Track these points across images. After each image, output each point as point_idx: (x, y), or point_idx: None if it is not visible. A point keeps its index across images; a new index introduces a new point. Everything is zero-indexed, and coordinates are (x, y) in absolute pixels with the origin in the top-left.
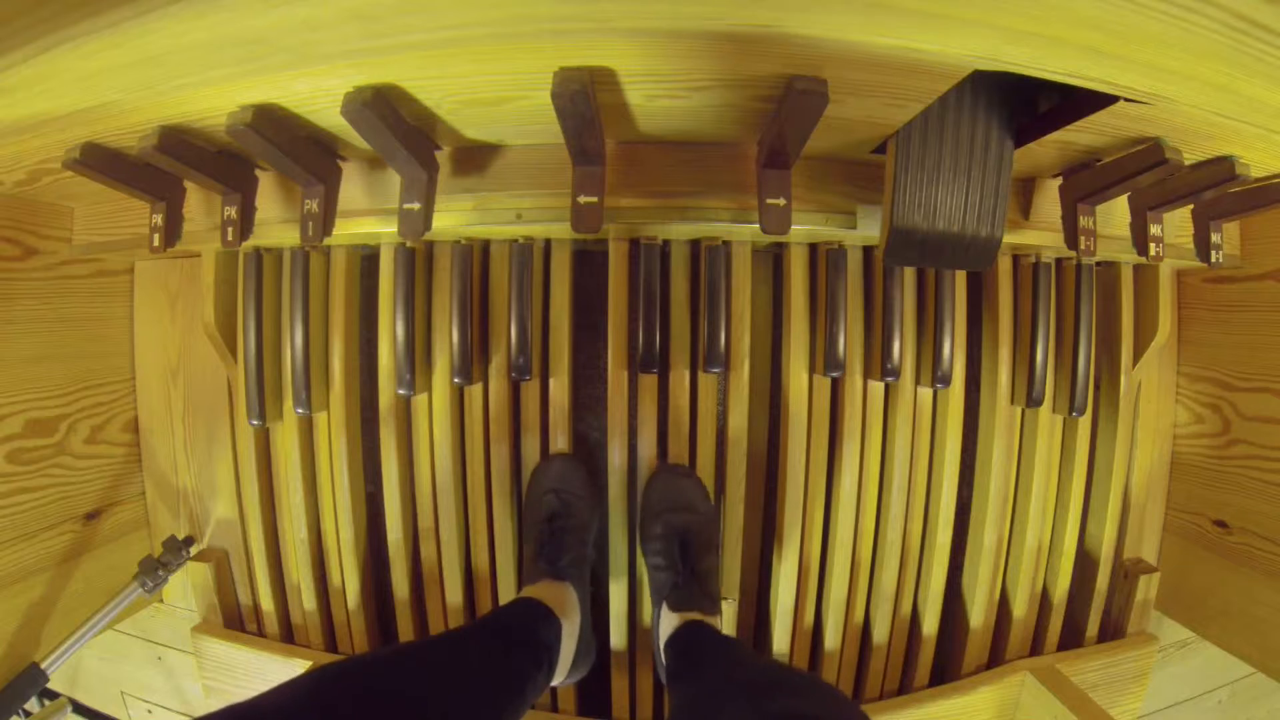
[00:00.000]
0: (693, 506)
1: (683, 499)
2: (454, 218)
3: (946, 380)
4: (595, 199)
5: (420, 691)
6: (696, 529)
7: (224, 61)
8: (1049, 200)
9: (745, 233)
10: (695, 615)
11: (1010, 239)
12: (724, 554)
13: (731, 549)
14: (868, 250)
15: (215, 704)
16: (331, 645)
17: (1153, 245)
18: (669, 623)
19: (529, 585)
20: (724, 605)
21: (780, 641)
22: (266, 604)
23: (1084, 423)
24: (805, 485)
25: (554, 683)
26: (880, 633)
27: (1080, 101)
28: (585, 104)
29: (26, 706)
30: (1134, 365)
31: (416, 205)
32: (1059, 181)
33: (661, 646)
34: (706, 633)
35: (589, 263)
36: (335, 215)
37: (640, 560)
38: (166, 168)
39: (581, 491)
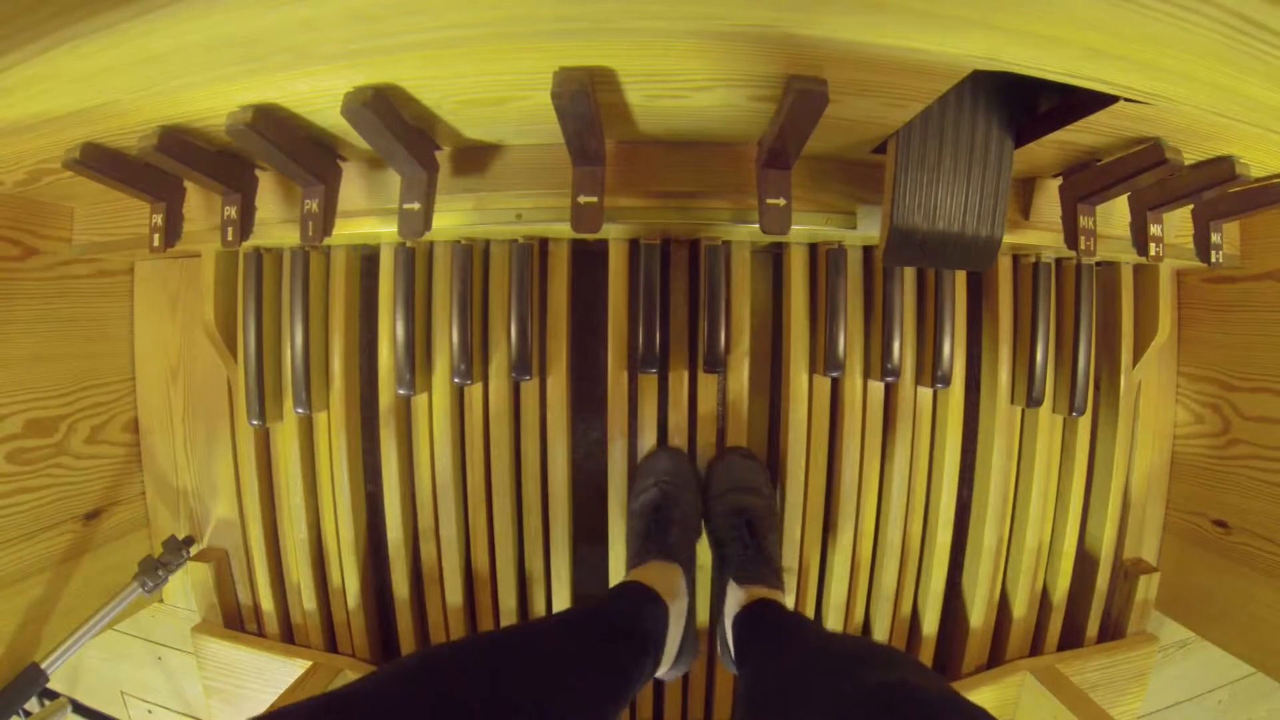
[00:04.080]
0: (757, 489)
1: (747, 480)
2: (454, 218)
3: (946, 380)
4: (595, 199)
5: (525, 688)
6: (761, 510)
7: (224, 61)
8: (1049, 200)
9: (745, 233)
10: (763, 590)
11: (1010, 239)
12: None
13: None
14: (868, 250)
15: (215, 704)
16: (331, 645)
17: (1153, 245)
18: (735, 598)
19: (637, 568)
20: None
21: None
22: (266, 604)
23: (1084, 423)
24: (805, 485)
25: (659, 673)
26: (880, 632)
27: (1080, 101)
28: (585, 104)
29: (26, 706)
30: (1134, 365)
31: (416, 205)
32: (1059, 181)
33: (727, 624)
34: (777, 609)
35: (589, 263)
36: (335, 215)
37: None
38: (166, 168)
39: (686, 484)
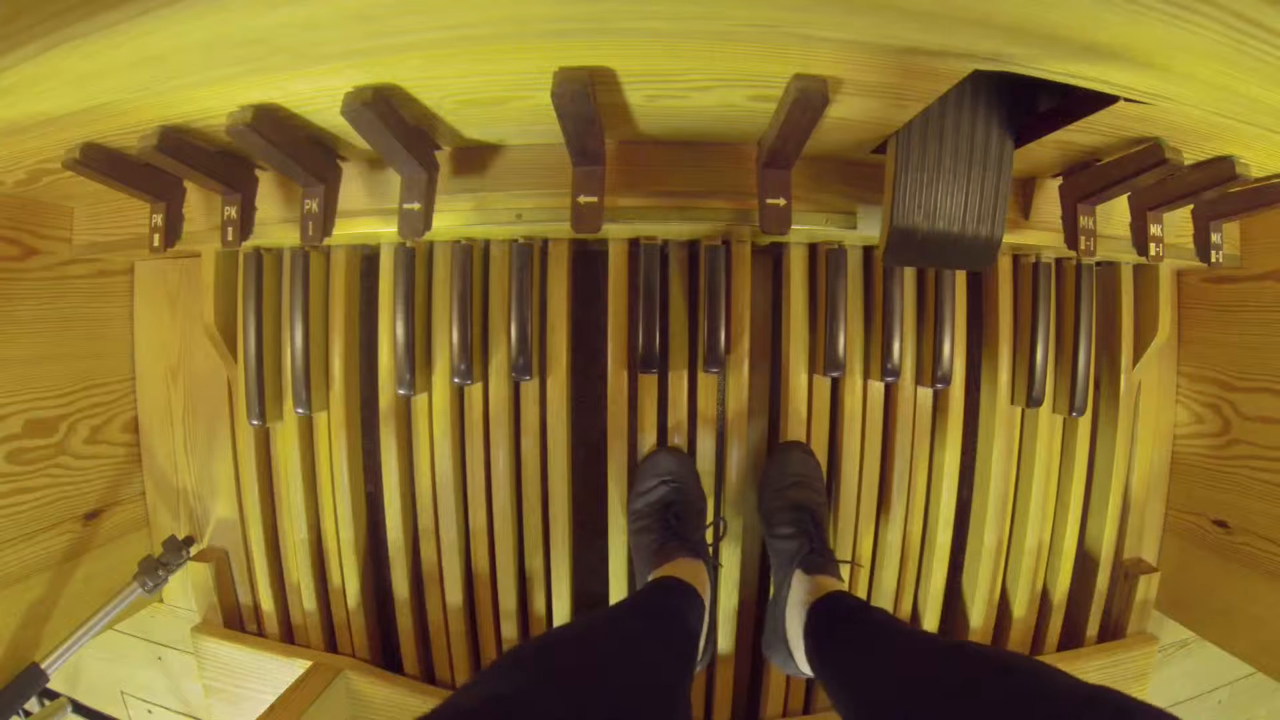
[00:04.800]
0: (814, 484)
1: (806, 475)
2: (454, 218)
3: (946, 380)
4: (595, 199)
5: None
6: (819, 506)
7: (224, 61)
8: (1049, 200)
9: (745, 233)
10: (831, 581)
11: (1010, 239)
12: (724, 554)
13: (732, 548)
14: (868, 250)
15: (215, 704)
16: (331, 645)
17: (1153, 245)
18: (804, 586)
19: (665, 564)
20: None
21: None
22: (266, 604)
23: (1084, 423)
24: None
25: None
26: None
27: (1080, 101)
28: (585, 104)
29: (26, 706)
30: (1134, 365)
31: (416, 205)
32: (1059, 181)
33: (793, 614)
34: (860, 602)
35: (589, 262)
36: (335, 215)
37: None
38: (166, 168)
39: (691, 481)
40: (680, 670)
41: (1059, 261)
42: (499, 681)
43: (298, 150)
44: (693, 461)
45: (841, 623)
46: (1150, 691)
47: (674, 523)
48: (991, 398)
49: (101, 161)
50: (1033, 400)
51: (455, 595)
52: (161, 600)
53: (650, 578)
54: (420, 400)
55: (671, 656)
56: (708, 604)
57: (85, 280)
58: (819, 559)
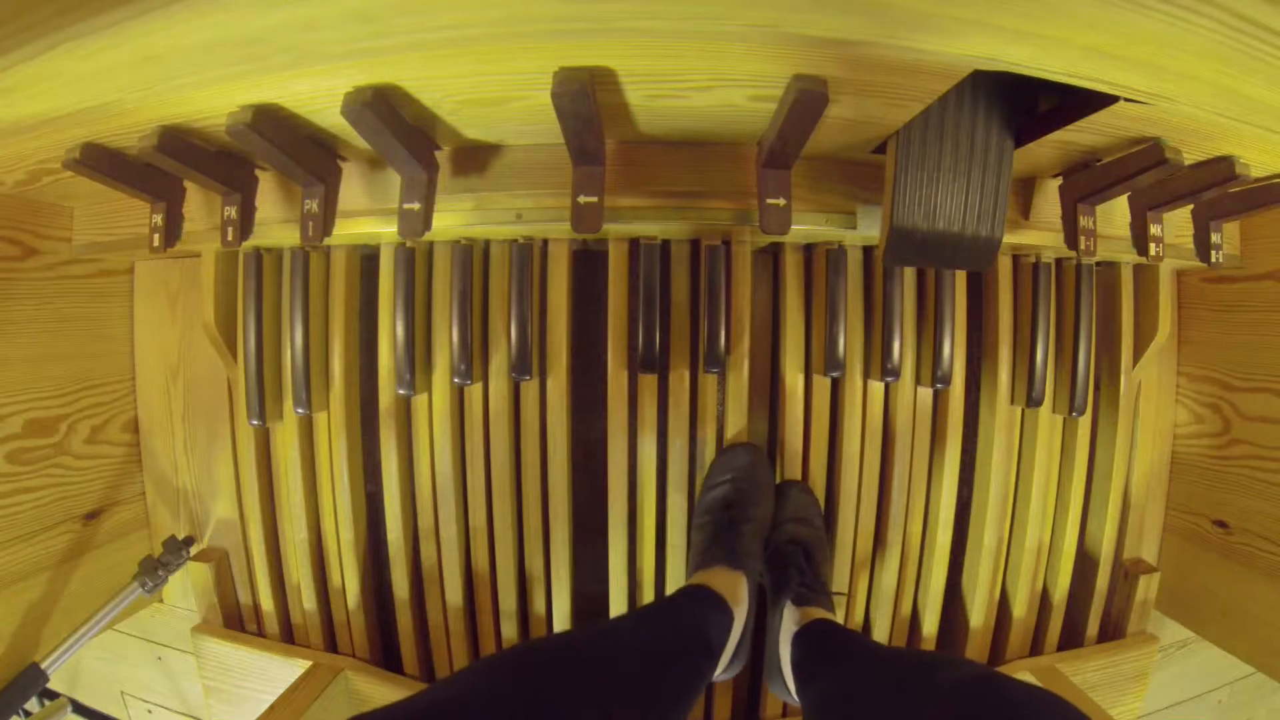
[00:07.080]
0: (811, 520)
1: (803, 512)
2: (454, 218)
3: (946, 380)
4: (595, 199)
5: (609, 688)
6: (815, 540)
7: (224, 61)
8: (1049, 200)
9: (745, 233)
10: (818, 611)
11: (1010, 239)
12: None
13: None
14: (868, 250)
15: (215, 704)
16: (331, 645)
17: (1153, 245)
18: (793, 618)
19: (702, 571)
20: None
21: None
22: (266, 604)
23: (1084, 423)
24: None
25: (713, 677)
26: (880, 633)
27: (1080, 101)
28: (585, 104)
29: (26, 706)
30: (1134, 365)
31: (416, 205)
32: (1059, 181)
33: (783, 644)
34: (837, 626)
35: (589, 262)
36: (335, 215)
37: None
38: (166, 168)
39: (760, 481)
40: (678, 686)
41: (1059, 261)
42: (457, 685)
43: (298, 150)
44: (765, 457)
45: (815, 646)
46: (1150, 691)
47: (723, 527)
48: (991, 398)
49: (101, 161)
50: (1033, 400)
51: (455, 595)
52: (161, 600)
53: (686, 583)
54: (420, 400)
55: (666, 672)
56: (743, 616)
57: (85, 280)
58: (808, 592)
